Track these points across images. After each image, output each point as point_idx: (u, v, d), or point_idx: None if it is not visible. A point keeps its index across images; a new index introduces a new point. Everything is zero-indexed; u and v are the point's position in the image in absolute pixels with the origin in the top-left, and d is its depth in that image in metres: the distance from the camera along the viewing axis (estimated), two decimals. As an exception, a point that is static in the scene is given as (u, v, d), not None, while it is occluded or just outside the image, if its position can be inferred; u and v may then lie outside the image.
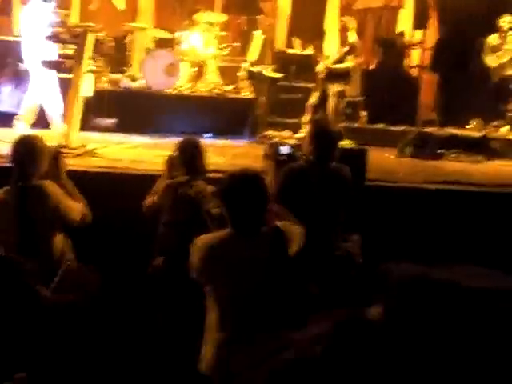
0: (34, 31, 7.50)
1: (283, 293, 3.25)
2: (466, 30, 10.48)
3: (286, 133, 9.16)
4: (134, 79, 10.06)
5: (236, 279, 3.17)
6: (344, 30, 9.47)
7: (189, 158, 4.66)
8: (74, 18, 10.69)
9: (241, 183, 3.26)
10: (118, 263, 5.11)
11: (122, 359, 4.38)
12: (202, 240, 3.29)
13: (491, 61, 9.87)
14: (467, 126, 9.96)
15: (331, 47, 10.05)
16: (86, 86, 7.29)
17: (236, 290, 3.18)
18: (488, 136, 9.35)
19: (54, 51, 7.45)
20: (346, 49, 9.30)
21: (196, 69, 10.41)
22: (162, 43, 10.56)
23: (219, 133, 8.95)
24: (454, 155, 8.82)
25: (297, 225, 3.52)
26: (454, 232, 6.01)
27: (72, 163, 5.69)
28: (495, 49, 9.86)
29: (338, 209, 4.64)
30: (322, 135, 4.62)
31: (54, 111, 7.53)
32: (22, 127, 7.47)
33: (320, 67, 9.31)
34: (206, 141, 6.96)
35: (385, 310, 1.24)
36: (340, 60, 9.28)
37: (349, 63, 9.34)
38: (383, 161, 7.99)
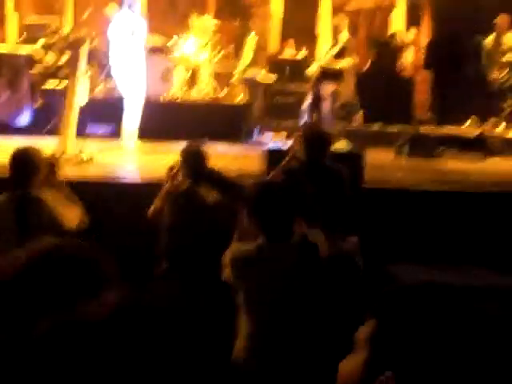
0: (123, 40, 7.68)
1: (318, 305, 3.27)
2: (459, 29, 10.49)
3: (282, 135, 9.16)
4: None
5: (269, 289, 3.19)
6: (337, 30, 9.48)
7: (191, 163, 4.66)
8: (68, 27, 10.69)
9: (271, 193, 3.29)
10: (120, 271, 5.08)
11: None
12: (237, 250, 3.30)
13: (491, 72, 9.88)
14: (463, 125, 9.96)
15: (325, 49, 10.03)
16: (81, 94, 7.31)
17: (269, 299, 3.19)
18: (484, 134, 9.35)
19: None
20: (339, 49, 9.31)
21: (190, 73, 10.39)
22: (156, 49, 10.54)
23: (215, 138, 8.92)
24: (451, 154, 8.82)
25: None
26: (454, 232, 6.00)
27: (69, 171, 5.67)
28: (492, 52, 9.88)
29: (335, 208, 4.65)
30: (313, 138, 4.68)
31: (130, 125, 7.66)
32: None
33: (312, 69, 9.31)
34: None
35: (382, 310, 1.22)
36: (334, 60, 9.28)
37: (343, 63, 9.34)
38: (381, 162, 7.98)
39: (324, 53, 9.60)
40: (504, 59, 9.78)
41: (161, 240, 4.69)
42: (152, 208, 4.75)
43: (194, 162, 4.65)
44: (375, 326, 1.17)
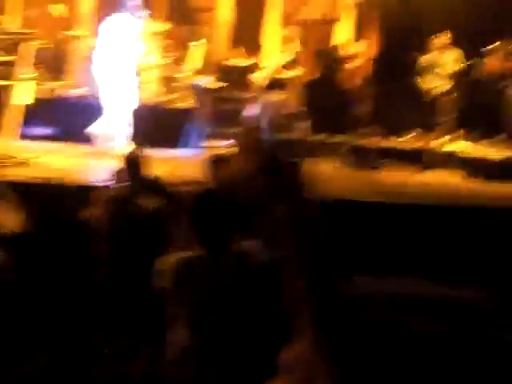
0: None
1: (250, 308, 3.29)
2: (404, 44, 10.68)
3: (226, 143, 9.17)
4: (72, 88, 9.95)
5: (205, 299, 3.18)
6: (287, 40, 9.56)
7: (131, 170, 4.62)
8: (15, 25, 10.53)
9: (207, 203, 3.28)
10: (54, 276, 5.03)
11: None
12: (171, 260, 3.27)
13: (423, 83, 10.13)
14: (404, 138, 10.13)
15: (272, 57, 10.10)
16: (26, 94, 7.22)
17: (204, 310, 3.19)
18: (424, 147, 9.52)
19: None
20: (288, 59, 9.39)
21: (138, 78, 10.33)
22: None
23: (159, 143, 8.87)
24: (391, 166, 8.97)
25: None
26: (392, 243, 6.08)
27: (4, 173, 5.60)
28: (427, 69, 10.13)
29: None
30: (251, 145, 4.68)
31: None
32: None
33: (259, 77, 9.36)
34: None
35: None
36: (282, 70, 9.36)
37: (291, 73, 9.43)
38: (323, 172, 8.05)
39: (272, 61, 9.66)
40: (443, 72, 10.01)
41: (99, 246, 4.65)
42: (90, 213, 4.70)
43: (133, 168, 4.62)
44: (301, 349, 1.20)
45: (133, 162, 4.65)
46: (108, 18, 8.01)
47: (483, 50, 10.14)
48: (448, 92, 10.08)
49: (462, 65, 10.05)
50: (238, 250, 3.33)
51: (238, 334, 3.24)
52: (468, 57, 10.13)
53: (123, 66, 7.83)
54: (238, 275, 3.28)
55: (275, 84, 9.38)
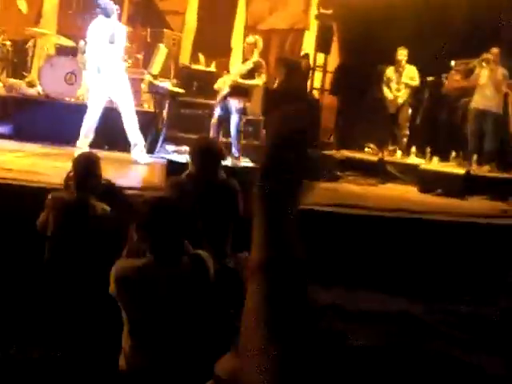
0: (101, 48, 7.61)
1: (202, 319, 3.25)
2: (365, 57, 10.77)
3: (186, 148, 9.11)
4: (32, 85, 9.82)
5: (152, 307, 3.16)
6: (250, 48, 9.55)
7: (82, 173, 4.50)
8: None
9: (161, 212, 3.25)
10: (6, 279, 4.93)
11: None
12: (122, 266, 3.24)
13: (388, 93, 10.22)
14: (364, 150, 10.21)
15: (235, 65, 10.08)
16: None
17: (152, 317, 3.17)
18: (383, 160, 9.60)
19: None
20: (251, 66, 9.37)
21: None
22: (64, 50, 10.34)
23: (118, 146, 8.78)
24: (350, 178, 9.02)
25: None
26: (348, 254, 6.10)
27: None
28: (391, 81, 10.22)
29: (226, 222, 4.65)
30: (205, 152, 4.63)
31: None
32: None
33: (221, 83, 9.34)
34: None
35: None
36: (244, 77, 9.34)
37: (253, 81, 9.42)
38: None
39: (234, 68, 9.64)
40: (402, 86, 10.11)
41: (47, 249, 4.55)
42: (40, 218, 4.60)
43: (84, 171, 4.50)
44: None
45: (84, 165, 4.53)
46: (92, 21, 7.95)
47: (448, 65, 10.27)
48: (407, 106, 10.19)
49: (418, 81, 10.16)
50: (189, 258, 3.30)
51: (184, 344, 3.21)
52: (429, 73, 10.25)
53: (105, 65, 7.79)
54: (188, 283, 3.24)
55: (237, 91, 9.36)
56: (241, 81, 9.25)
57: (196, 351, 3.19)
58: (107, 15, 7.76)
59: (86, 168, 4.50)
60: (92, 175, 4.50)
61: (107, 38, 7.70)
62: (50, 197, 4.51)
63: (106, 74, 7.80)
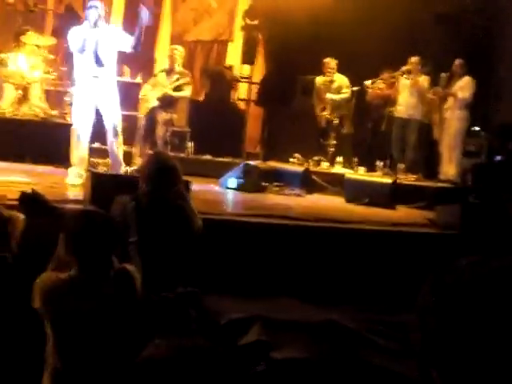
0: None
1: (129, 335, 3.21)
2: (291, 68, 10.88)
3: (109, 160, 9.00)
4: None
5: (77, 323, 3.11)
6: (172, 59, 9.56)
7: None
8: None
9: (90, 225, 3.21)
10: None
11: None
12: (46, 279, 3.18)
13: (316, 109, 10.34)
14: (290, 160, 10.28)
15: (161, 77, 10.06)
16: None
17: (75, 333, 3.11)
18: (309, 170, 9.69)
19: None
20: (177, 77, 9.38)
21: (20, 92, 10.04)
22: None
23: (41, 159, 8.62)
24: (276, 188, 9.08)
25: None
26: (274, 265, 6.12)
27: None
28: (314, 93, 10.35)
29: (180, 243, 4.50)
30: (162, 169, 4.50)
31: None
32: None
33: (145, 91, 9.31)
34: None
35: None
36: (170, 88, 9.34)
37: (184, 93, 9.44)
38: (207, 192, 8.06)
39: (160, 80, 9.63)
40: (329, 97, 10.25)
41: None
42: None
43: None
44: None
45: None
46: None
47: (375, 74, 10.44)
48: (334, 116, 10.29)
49: (349, 90, 10.30)
50: (117, 273, 3.28)
51: (110, 361, 3.18)
52: (355, 82, 10.39)
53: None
54: (115, 299, 3.22)
55: (163, 103, 9.36)
56: (173, 93, 9.27)
57: (123, 367, 3.16)
58: (95, 23, 7.44)
59: None
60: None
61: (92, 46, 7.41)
62: None
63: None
